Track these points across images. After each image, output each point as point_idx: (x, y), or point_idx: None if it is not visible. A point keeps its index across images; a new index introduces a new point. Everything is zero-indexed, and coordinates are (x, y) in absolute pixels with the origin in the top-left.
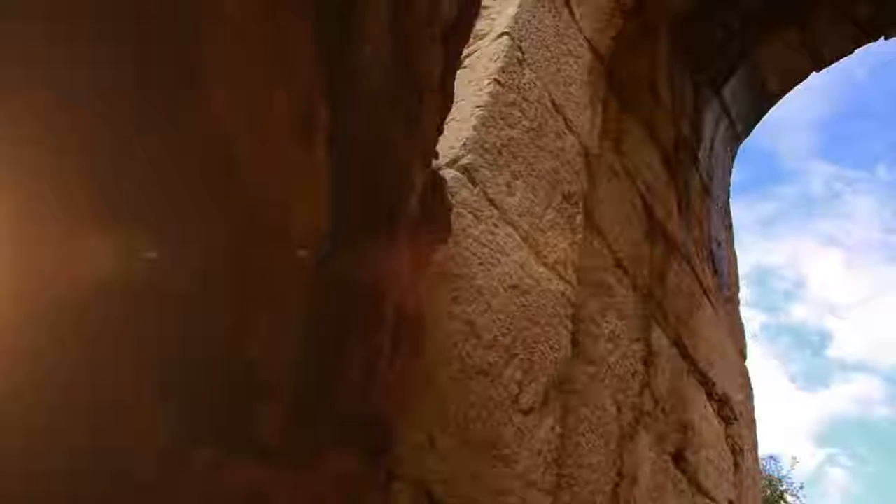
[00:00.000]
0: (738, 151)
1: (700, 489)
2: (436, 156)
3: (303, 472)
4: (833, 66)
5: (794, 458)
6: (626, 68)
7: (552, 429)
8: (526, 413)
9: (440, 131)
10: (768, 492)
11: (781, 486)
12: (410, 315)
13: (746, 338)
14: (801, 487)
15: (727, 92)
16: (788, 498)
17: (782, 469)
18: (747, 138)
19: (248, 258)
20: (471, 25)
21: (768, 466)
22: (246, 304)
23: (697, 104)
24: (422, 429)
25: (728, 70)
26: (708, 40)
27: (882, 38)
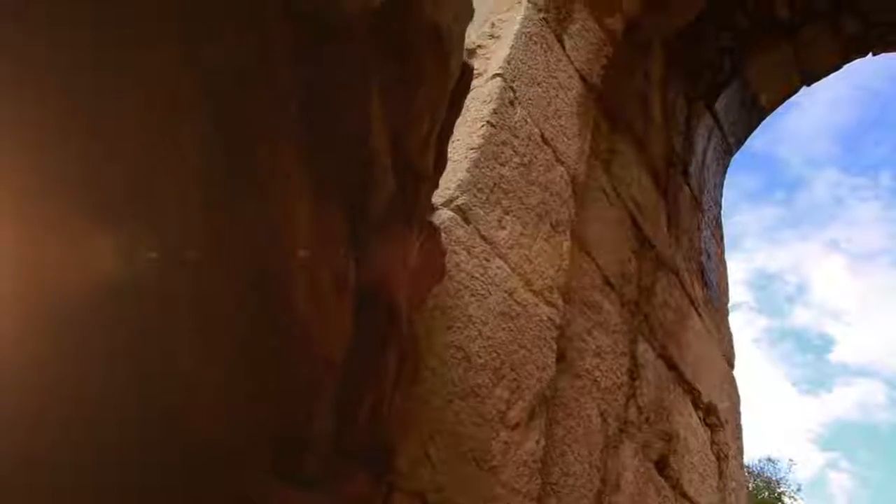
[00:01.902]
0: (747, 158)
1: (683, 495)
2: (431, 210)
3: (328, 494)
4: (847, 75)
5: (790, 460)
6: (618, 88)
7: (537, 441)
8: (513, 428)
9: (436, 187)
10: (766, 493)
11: (779, 487)
12: (409, 351)
13: (734, 347)
14: (799, 489)
15: (719, 106)
16: (786, 500)
17: (780, 471)
18: (740, 150)
19: (290, 376)
20: (463, 98)
21: (766, 469)
22: (288, 401)
23: (690, 118)
24: (419, 445)
25: (720, 85)
26: (701, 56)
27: (870, 54)
